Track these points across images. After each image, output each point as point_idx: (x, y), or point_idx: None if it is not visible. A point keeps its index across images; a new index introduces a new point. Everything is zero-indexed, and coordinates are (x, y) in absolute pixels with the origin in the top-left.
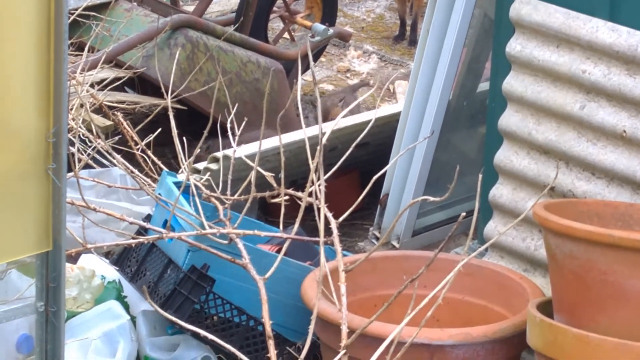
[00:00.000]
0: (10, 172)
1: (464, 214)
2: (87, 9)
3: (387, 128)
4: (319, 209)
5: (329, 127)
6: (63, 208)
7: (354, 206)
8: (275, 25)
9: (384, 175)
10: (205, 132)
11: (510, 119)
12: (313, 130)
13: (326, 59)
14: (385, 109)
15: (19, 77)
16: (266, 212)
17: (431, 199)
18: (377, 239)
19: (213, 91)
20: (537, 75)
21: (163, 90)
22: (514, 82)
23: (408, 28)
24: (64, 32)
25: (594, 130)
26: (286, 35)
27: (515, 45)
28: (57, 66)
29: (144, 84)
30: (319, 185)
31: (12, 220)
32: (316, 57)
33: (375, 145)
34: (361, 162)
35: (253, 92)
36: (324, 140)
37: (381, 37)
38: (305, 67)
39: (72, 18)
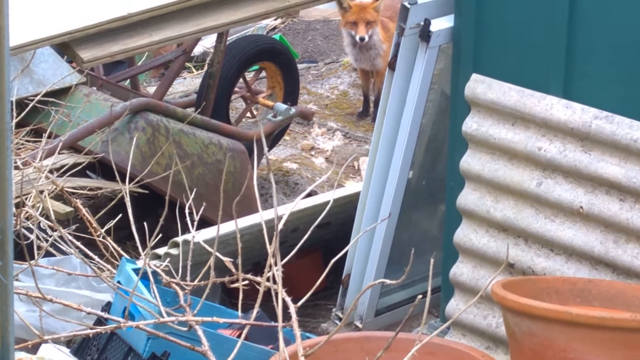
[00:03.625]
0: None
1: (419, 296)
2: (46, 94)
3: (348, 207)
4: (277, 294)
5: (288, 209)
6: (10, 305)
7: (312, 289)
8: (238, 105)
9: (345, 255)
10: (161, 220)
11: (468, 197)
12: (272, 213)
13: (290, 137)
14: (346, 189)
15: None
16: (230, 294)
17: (388, 281)
18: (340, 319)
19: (175, 174)
20: (494, 153)
21: (117, 177)
22: (471, 161)
23: (372, 104)
24: (7, 129)
25: (551, 206)
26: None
27: (471, 124)
28: (1, 162)
29: (106, 168)
30: (277, 270)
31: None
32: (280, 136)
33: (337, 225)
34: (324, 241)
35: (215, 173)
36: (280, 224)
37: (345, 113)
38: (270, 146)
39: (31, 105)
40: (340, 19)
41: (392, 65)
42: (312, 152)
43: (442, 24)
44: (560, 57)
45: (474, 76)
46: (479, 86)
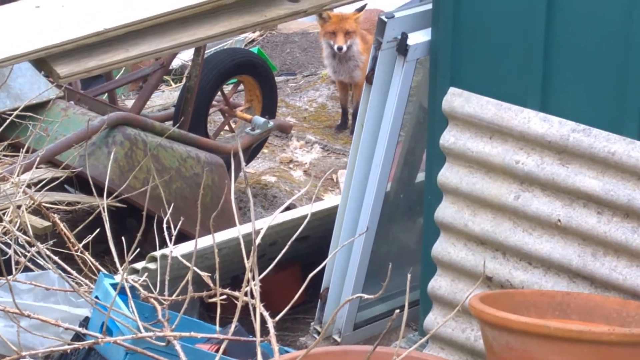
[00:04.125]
0: None
1: (397, 310)
2: (23, 109)
3: (327, 220)
4: (255, 309)
5: (266, 223)
6: None
7: (291, 304)
8: (216, 118)
9: (323, 269)
10: (139, 235)
11: (446, 211)
12: (250, 227)
13: (269, 150)
14: (325, 202)
15: None
16: (208, 308)
17: (366, 296)
18: (319, 333)
19: (153, 188)
20: (472, 167)
21: (94, 191)
22: (448, 174)
23: (350, 117)
24: None
25: (529, 220)
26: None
27: (449, 137)
28: None
29: (84, 183)
30: (255, 285)
31: None
32: (258, 149)
33: (316, 238)
34: (303, 255)
35: (193, 187)
36: (258, 239)
37: (323, 126)
38: (248, 159)
39: (9, 120)
40: (319, 31)
41: (369, 79)
42: (291, 165)
43: (419, 37)
44: (537, 71)
45: (452, 89)
46: (457, 99)
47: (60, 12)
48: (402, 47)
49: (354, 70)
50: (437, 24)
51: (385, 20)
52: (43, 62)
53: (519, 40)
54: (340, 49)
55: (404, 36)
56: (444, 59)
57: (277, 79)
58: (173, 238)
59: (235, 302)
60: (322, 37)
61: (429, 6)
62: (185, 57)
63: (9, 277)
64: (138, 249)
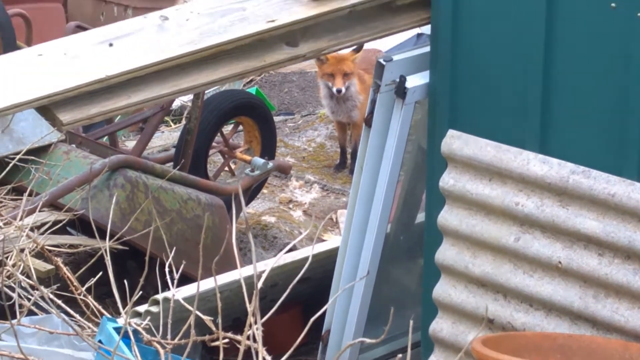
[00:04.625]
0: None
1: (400, 355)
2: (26, 153)
3: (328, 262)
4: (257, 353)
5: (268, 266)
6: None
7: (293, 348)
8: (216, 158)
9: (325, 310)
10: (142, 280)
11: (446, 253)
12: (251, 269)
13: (268, 190)
14: (325, 244)
15: None
16: (211, 350)
17: (368, 340)
18: None
19: (154, 231)
20: (471, 209)
21: (96, 234)
22: (448, 216)
23: (349, 156)
24: None
25: (529, 261)
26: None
27: (448, 180)
28: None
29: (86, 225)
30: (257, 329)
31: None
32: (258, 190)
33: (317, 280)
34: (304, 296)
35: (194, 229)
36: (260, 283)
37: (322, 166)
38: (248, 200)
39: (12, 164)
40: (317, 71)
41: (368, 122)
42: (290, 205)
43: (417, 80)
44: (536, 112)
45: (450, 132)
46: (456, 142)
47: (62, 60)
48: (400, 90)
49: (352, 110)
50: (435, 66)
51: (384, 63)
52: (46, 109)
53: (517, 82)
54: (339, 91)
55: (402, 79)
56: (442, 102)
57: (276, 118)
58: (175, 281)
59: (238, 345)
60: (320, 79)
61: (427, 49)
62: (184, 97)
63: (13, 322)
64: (140, 292)
